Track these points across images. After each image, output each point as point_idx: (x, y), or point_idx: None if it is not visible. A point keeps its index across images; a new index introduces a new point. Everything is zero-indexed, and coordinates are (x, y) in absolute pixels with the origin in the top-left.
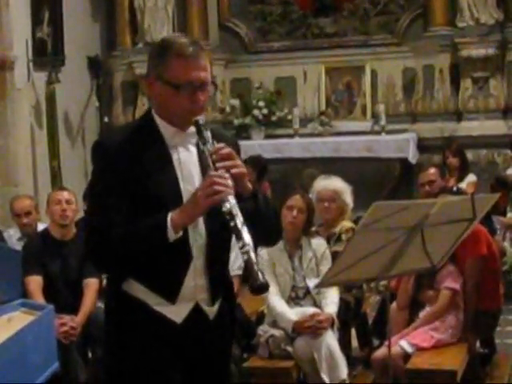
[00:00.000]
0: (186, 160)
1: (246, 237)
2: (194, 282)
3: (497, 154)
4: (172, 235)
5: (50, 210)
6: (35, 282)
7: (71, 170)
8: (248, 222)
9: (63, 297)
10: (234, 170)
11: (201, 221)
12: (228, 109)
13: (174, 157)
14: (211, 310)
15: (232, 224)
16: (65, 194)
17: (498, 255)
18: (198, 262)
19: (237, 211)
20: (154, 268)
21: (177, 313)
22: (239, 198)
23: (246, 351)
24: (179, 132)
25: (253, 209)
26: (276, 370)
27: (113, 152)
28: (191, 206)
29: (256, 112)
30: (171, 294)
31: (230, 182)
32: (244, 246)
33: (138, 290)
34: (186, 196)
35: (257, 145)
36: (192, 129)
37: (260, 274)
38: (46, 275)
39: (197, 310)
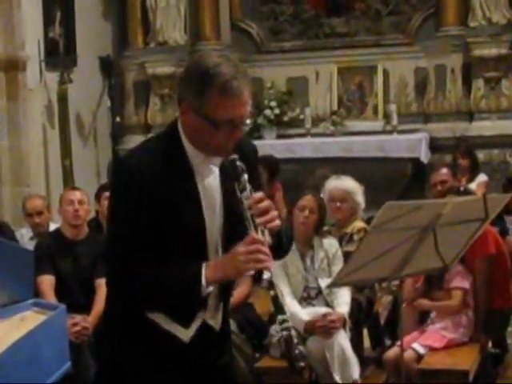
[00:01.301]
0: (210, 186)
1: (288, 312)
2: (207, 310)
3: (509, 154)
4: (205, 290)
5: (62, 210)
6: (47, 282)
7: (83, 169)
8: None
9: (75, 296)
10: (270, 225)
11: (220, 252)
12: None
13: (199, 184)
14: (216, 322)
15: (272, 293)
16: (77, 194)
17: (507, 255)
18: (212, 294)
19: (274, 282)
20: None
21: (185, 333)
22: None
23: (258, 351)
24: (206, 159)
25: (276, 246)
26: (288, 369)
27: (138, 178)
28: (229, 265)
29: (268, 112)
30: (185, 322)
31: (269, 252)
32: (284, 321)
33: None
34: (208, 222)
35: (268, 145)
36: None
37: (300, 357)
38: (58, 275)
39: (203, 326)
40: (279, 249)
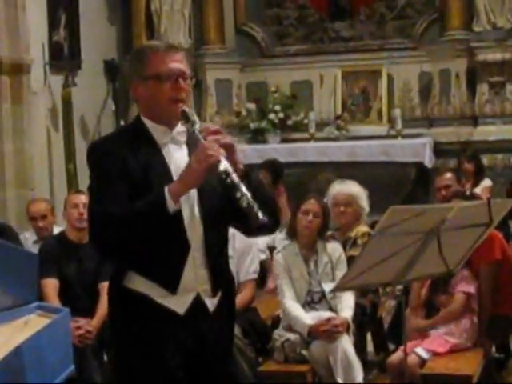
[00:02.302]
0: (178, 157)
1: (244, 188)
2: (194, 272)
3: None
4: (172, 205)
5: (67, 213)
6: (51, 285)
7: (87, 172)
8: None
9: (79, 300)
10: (223, 141)
11: (197, 212)
12: (244, 113)
13: (166, 155)
14: (212, 302)
15: (229, 181)
16: (82, 198)
17: None
18: (196, 253)
19: (231, 170)
20: (154, 258)
21: (179, 304)
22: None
23: (261, 355)
24: (168, 131)
25: (247, 189)
26: (291, 373)
27: (106, 151)
28: (187, 173)
29: (272, 116)
30: (172, 284)
31: (220, 149)
32: (242, 196)
33: (139, 283)
34: None
35: (273, 149)
36: (181, 128)
37: (260, 213)
38: (62, 278)
39: (198, 302)
40: (251, 189)
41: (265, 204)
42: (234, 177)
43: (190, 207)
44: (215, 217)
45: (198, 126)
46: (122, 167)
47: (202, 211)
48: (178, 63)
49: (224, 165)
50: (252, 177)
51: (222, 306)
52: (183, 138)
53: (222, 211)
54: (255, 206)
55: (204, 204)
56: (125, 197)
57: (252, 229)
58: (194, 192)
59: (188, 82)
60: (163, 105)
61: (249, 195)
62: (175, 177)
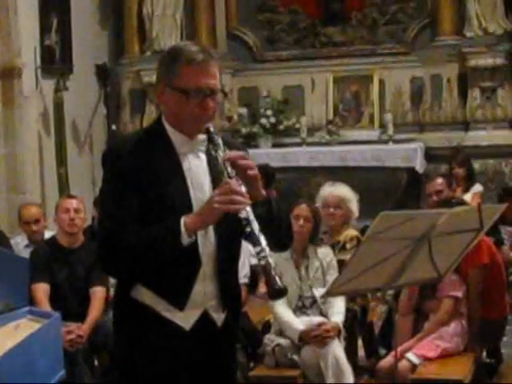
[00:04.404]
0: (196, 168)
1: (264, 242)
2: (203, 289)
3: (504, 164)
4: (185, 239)
5: (58, 217)
6: (42, 290)
7: (79, 177)
8: (261, 226)
9: (70, 305)
10: (249, 172)
11: (211, 228)
12: (236, 117)
13: (184, 164)
14: (219, 318)
15: (248, 230)
16: (73, 203)
17: (502, 265)
18: (207, 269)
19: (253, 218)
20: (164, 274)
21: (185, 319)
22: (252, 202)
23: (252, 360)
24: (189, 140)
25: (266, 214)
26: (282, 378)
27: (123, 158)
28: (207, 211)
29: (264, 121)
30: (180, 301)
31: (244, 189)
32: (261, 251)
33: (146, 296)
34: (196, 204)
35: (264, 153)
36: (201, 136)
37: (278, 279)
38: (53, 283)
39: (205, 317)
40: (271, 215)
41: (281, 226)
42: (255, 226)
43: (204, 230)
44: (229, 233)
45: (221, 153)
46: (137, 176)
47: (216, 227)
48: (211, 79)
49: (246, 211)
50: (272, 203)
51: (229, 321)
52: (203, 147)
53: (237, 229)
54: (273, 272)
55: (220, 221)
56: (136, 211)
57: (270, 294)
58: None
59: (217, 97)
60: (188, 120)
61: (267, 252)
62: (191, 188)
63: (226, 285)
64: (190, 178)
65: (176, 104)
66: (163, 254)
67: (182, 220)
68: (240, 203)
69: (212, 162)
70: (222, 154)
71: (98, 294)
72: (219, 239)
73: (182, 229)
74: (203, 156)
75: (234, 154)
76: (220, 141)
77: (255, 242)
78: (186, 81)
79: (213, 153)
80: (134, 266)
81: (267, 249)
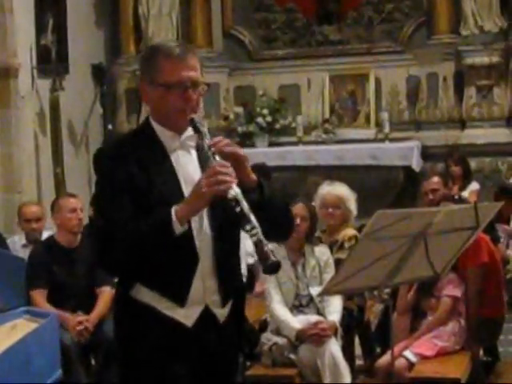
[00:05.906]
0: (187, 163)
1: (254, 220)
2: (203, 284)
3: (501, 162)
4: (178, 228)
5: (62, 217)
6: (41, 296)
7: (75, 177)
8: (255, 213)
9: (70, 304)
10: (237, 151)
11: (206, 222)
12: (232, 116)
13: (175, 160)
14: (221, 313)
15: (238, 209)
16: (77, 202)
17: (500, 263)
18: (205, 263)
19: (242, 197)
20: (162, 271)
21: (187, 316)
22: (244, 189)
23: (249, 359)
24: (176, 136)
25: (259, 199)
26: (279, 377)
27: (114, 158)
28: (195, 196)
29: (260, 120)
30: (180, 297)
31: (232, 171)
32: (252, 228)
33: (146, 295)
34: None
35: (261, 152)
36: (189, 132)
37: (271, 253)
38: (53, 283)
39: (207, 313)
40: (264, 200)
41: (277, 212)
42: (244, 205)
43: (199, 217)
44: (225, 226)
45: (207, 141)
46: (129, 176)
47: (211, 220)
48: (191, 71)
49: (234, 191)
50: (265, 187)
51: (231, 315)
52: (192, 143)
53: (232, 220)
54: (266, 247)
55: (213, 213)
56: (131, 210)
57: (264, 269)
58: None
59: (200, 89)
60: (171, 113)
61: (259, 229)
62: (183, 184)
63: (226, 280)
64: (182, 174)
65: (159, 99)
66: (158, 244)
67: (173, 209)
68: (226, 182)
69: (200, 152)
70: (208, 141)
71: (105, 293)
72: (215, 232)
73: (173, 217)
74: (194, 152)
75: (219, 140)
76: (205, 129)
77: (245, 220)
78: (166, 74)
79: (199, 141)
80: (131, 259)
81: (258, 226)
